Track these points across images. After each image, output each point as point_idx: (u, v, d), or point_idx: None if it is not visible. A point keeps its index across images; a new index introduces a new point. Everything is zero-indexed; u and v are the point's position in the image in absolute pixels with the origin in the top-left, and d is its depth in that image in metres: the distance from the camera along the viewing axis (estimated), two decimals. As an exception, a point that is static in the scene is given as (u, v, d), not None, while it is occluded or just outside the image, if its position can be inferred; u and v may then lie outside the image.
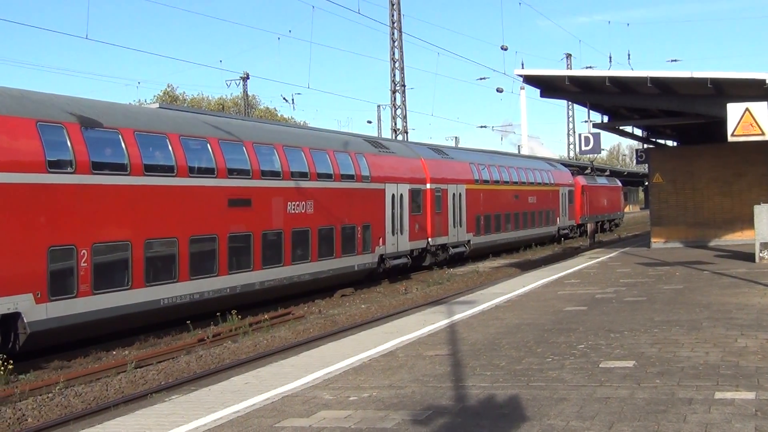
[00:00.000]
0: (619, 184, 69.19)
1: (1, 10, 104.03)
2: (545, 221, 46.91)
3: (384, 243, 28.68)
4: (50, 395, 13.22)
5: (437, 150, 36.71)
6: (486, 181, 38.77)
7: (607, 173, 73.74)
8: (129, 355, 16.58)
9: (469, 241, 36.27)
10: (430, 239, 32.41)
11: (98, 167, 17.24)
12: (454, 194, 34.81)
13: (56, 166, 16.39)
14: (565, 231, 50.81)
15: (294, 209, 23.50)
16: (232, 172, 21.22)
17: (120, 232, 17.76)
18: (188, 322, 19.00)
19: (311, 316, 21.76)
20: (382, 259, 28.71)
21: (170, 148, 19.30)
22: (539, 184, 46.31)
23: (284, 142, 23.96)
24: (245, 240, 21.58)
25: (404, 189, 30.40)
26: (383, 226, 28.70)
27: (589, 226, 49.75)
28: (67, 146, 16.64)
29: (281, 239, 22.98)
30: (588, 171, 62.69)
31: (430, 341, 12.02)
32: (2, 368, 14.18)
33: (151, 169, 18.71)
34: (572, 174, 54.06)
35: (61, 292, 16.17)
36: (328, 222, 25.19)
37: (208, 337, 18.30)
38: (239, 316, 20.07)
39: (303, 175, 24.30)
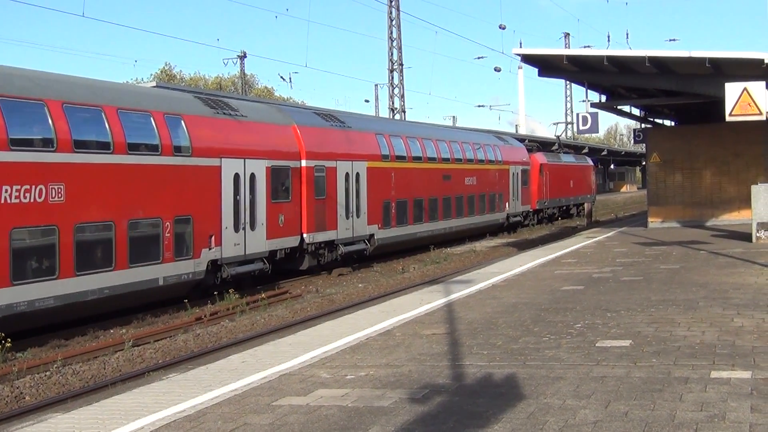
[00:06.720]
0: (590, 162, 59.95)
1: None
2: (489, 207, 38.65)
3: (219, 243, 20.57)
4: (48, 373, 13.26)
5: (324, 116, 27.75)
6: (400, 158, 30.43)
7: (586, 150, 70.39)
8: (126, 334, 16.62)
9: (372, 235, 28.06)
10: (306, 235, 24.29)
11: None
12: (347, 174, 26.60)
13: None
14: (517, 218, 42.70)
15: (22, 197, 15.41)
16: None
17: None
18: (185, 300, 19.03)
19: (308, 295, 21.81)
20: (217, 266, 20.77)
21: None
22: (481, 161, 38.18)
23: (3, 91, 15.58)
24: None
25: (259, 166, 22.25)
26: (217, 220, 20.61)
27: (586, 206, 49.37)
28: None
29: None
30: (585, 150, 61.86)
31: (427, 320, 12.04)
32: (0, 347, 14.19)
33: None
34: (529, 150, 46.77)
35: None
36: (100, 216, 17.29)
37: (205, 316, 18.34)
38: (237, 295, 20.11)
39: (45, 143, 16.21)
